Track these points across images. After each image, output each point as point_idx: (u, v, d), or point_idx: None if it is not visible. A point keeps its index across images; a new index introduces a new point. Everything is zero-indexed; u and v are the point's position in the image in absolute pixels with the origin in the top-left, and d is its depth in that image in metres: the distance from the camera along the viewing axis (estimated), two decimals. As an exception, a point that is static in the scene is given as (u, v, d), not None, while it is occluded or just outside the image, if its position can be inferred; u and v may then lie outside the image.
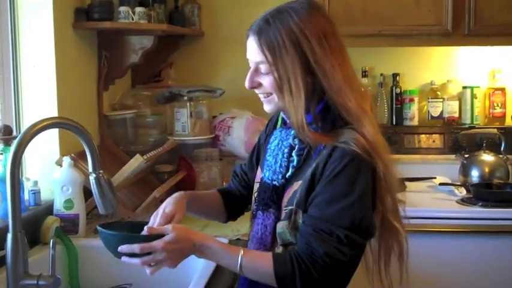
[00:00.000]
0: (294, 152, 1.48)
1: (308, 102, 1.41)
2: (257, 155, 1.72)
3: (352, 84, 1.43)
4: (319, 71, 1.39)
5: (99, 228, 1.42)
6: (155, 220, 1.49)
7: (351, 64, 1.46)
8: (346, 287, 1.46)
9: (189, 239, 1.38)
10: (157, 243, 1.35)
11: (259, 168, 1.64)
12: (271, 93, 1.45)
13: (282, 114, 1.58)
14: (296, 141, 1.48)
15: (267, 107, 1.50)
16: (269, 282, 1.39)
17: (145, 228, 1.40)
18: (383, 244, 1.50)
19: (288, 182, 1.48)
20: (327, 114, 1.43)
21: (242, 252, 1.38)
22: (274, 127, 1.65)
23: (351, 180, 1.36)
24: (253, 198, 1.60)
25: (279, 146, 1.52)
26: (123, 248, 1.35)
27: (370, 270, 1.52)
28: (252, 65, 1.47)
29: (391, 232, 1.49)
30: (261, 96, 1.49)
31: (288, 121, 1.52)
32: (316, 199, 1.39)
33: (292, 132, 1.49)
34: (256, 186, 1.60)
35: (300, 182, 1.44)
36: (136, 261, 1.37)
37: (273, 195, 1.50)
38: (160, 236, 1.37)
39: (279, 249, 1.47)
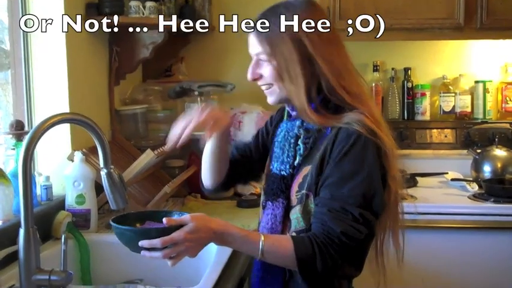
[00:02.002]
0: (300, 140, 1.52)
1: (309, 90, 1.46)
2: (265, 135, 1.75)
3: (352, 73, 1.51)
4: (317, 57, 1.45)
5: (113, 224, 1.39)
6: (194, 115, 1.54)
7: (350, 59, 1.53)
8: (361, 269, 1.49)
9: (209, 227, 1.38)
10: (177, 235, 1.34)
11: (268, 160, 1.66)
12: (272, 84, 1.51)
13: (286, 106, 1.61)
14: (301, 130, 1.53)
15: (270, 99, 1.55)
16: (289, 265, 1.42)
17: (164, 220, 1.38)
18: (391, 220, 1.51)
19: (296, 170, 1.52)
20: (328, 103, 1.47)
21: (263, 237, 1.39)
22: (278, 122, 1.69)
23: (359, 158, 1.40)
24: (262, 190, 1.63)
25: (285, 137, 1.57)
26: (143, 243, 1.34)
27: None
28: (253, 58, 1.54)
29: (398, 207, 1.52)
30: (263, 88, 1.55)
31: (292, 114, 1.57)
32: (326, 181, 1.42)
33: (297, 122, 1.54)
34: (265, 178, 1.63)
35: (309, 167, 1.47)
36: (157, 254, 1.35)
37: (282, 184, 1.53)
38: (179, 226, 1.35)
39: None
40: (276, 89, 1.51)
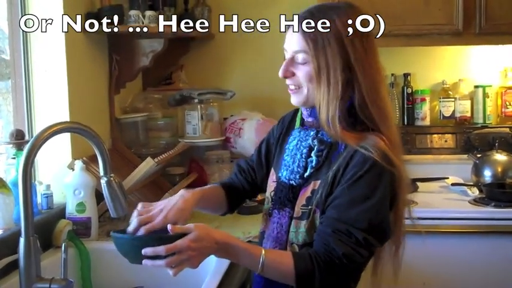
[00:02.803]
0: (313, 152, 1.50)
1: (341, 99, 1.43)
2: (266, 152, 1.73)
3: (384, 86, 1.50)
4: (358, 68, 1.43)
5: (116, 235, 1.39)
6: (156, 213, 1.47)
7: (381, 69, 1.50)
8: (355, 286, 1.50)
9: (212, 236, 1.37)
10: (181, 243, 1.33)
11: (272, 169, 1.65)
12: (300, 86, 1.48)
13: (302, 111, 1.58)
14: (315, 142, 1.50)
15: (294, 99, 1.52)
16: (287, 281, 1.40)
17: (169, 226, 1.37)
18: (394, 239, 1.52)
19: (305, 181, 1.50)
20: (350, 115, 1.45)
21: (264, 252, 1.39)
22: (288, 127, 1.66)
23: (372, 185, 1.39)
24: (268, 198, 1.62)
25: (298, 146, 1.54)
26: (147, 251, 1.32)
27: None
28: (288, 55, 1.48)
29: (402, 228, 1.53)
30: (290, 87, 1.51)
31: (307, 120, 1.55)
32: (335, 201, 1.41)
33: (312, 133, 1.52)
34: (272, 186, 1.61)
35: (318, 182, 1.46)
36: (160, 263, 1.33)
37: (289, 194, 1.52)
38: (181, 235, 1.35)
39: (295, 249, 1.48)
40: (303, 91, 1.47)
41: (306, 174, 1.50)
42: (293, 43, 1.46)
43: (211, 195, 1.71)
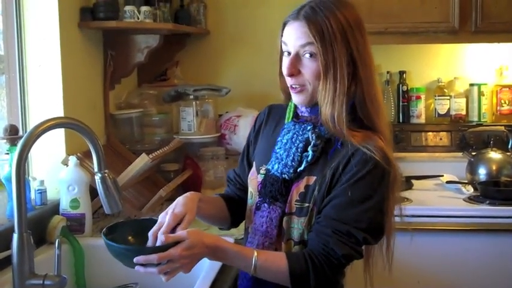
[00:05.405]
0: (309, 147, 1.47)
1: (345, 95, 1.41)
2: (247, 156, 1.70)
3: (377, 81, 1.49)
4: (360, 61, 1.42)
5: (108, 242, 1.37)
6: (164, 220, 1.44)
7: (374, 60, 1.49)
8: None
9: (203, 242, 1.36)
10: (174, 251, 1.32)
11: (254, 164, 1.62)
12: (304, 85, 1.44)
13: (299, 106, 1.54)
14: (314, 136, 1.47)
15: (298, 99, 1.48)
16: (282, 282, 1.40)
17: (162, 237, 1.36)
18: (386, 239, 1.52)
19: (298, 175, 1.48)
20: (350, 112, 1.43)
21: (256, 253, 1.38)
22: (266, 123, 1.65)
23: (372, 185, 1.39)
24: (252, 192, 1.59)
25: (293, 139, 1.51)
26: (139, 259, 1.32)
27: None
28: (293, 51, 1.43)
29: (393, 228, 1.52)
30: (294, 86, 1.46)
31: (303, 114, 1.53)
32: (333, 200, 1.40)
33: (309, 127, 1.49)
34: (254, 180, 1.58)
35: (313, 178, 1.44)
36: (152, 270, 1.34)
37: (282, 188, 1.49)
38: (174, 243, 1.34)
39: (291, 245, 1.47)
40: (308, 90, 1.44)
41: (300, 168, 1.47)
42: (299, 37, 1.41)
43: (212, 200, 1.68)
